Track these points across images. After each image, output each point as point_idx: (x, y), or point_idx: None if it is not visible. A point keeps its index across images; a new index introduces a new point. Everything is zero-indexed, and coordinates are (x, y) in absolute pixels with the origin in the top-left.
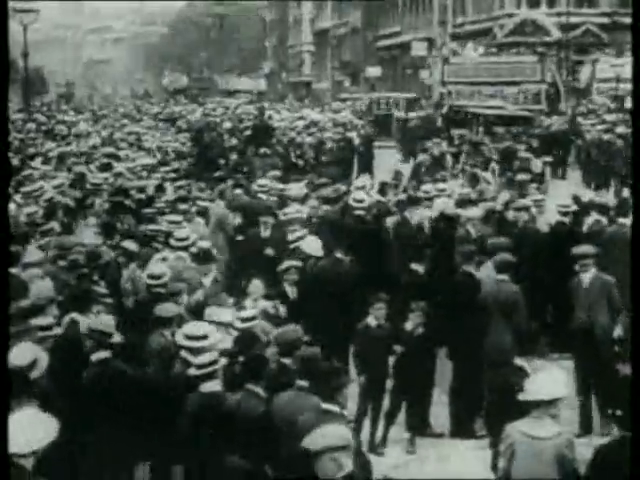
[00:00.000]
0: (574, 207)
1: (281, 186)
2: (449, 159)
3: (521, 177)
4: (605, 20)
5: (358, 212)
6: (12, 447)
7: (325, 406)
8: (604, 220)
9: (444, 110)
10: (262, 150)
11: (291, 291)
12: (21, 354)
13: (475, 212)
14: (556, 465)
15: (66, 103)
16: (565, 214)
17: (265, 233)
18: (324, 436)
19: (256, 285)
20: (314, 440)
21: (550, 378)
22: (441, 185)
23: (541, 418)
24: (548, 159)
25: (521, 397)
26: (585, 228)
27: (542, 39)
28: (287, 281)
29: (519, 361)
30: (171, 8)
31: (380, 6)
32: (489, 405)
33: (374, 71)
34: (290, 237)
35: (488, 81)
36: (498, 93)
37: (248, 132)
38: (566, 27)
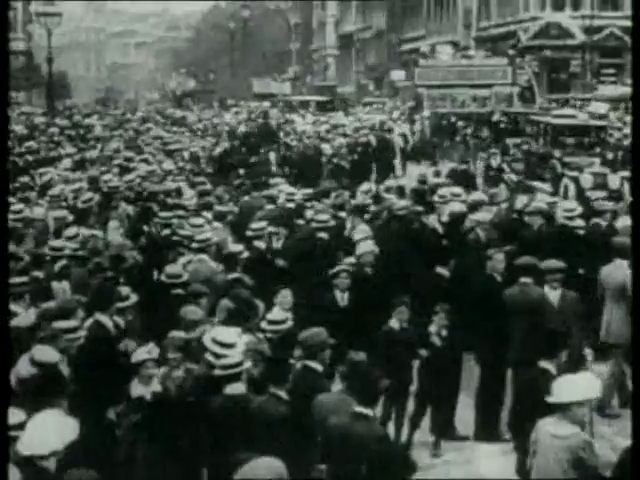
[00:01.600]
0: (579, 210)
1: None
2: (507, 170)
3: (598, 195)
4: (629, 23)
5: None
6: (33, 449)
7: (359, 409)
8: (603, 223)
9: (495, 117)
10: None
11: (341, 297)
12: (46, 352)
13: (484, 216)
14: (569, 465)
15: (103, 107)
16: (571, 218)
17: (277, 244)
18: (253, 469)
19: (284, 295)
20: (244, 472)
21: (574, 381)
22: (456, 190)
23: (563, 418)
24: (626, 174)
25: (547, 399)
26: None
27: (566, 42)
28: (338, 287)
29: (544, 364)
30: (195, 12)
31: (404, 10)
32: (514, 408)
33: (398, 75)
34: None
35: (459, 84)
36: (468, 96)
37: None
38: (590, 30)
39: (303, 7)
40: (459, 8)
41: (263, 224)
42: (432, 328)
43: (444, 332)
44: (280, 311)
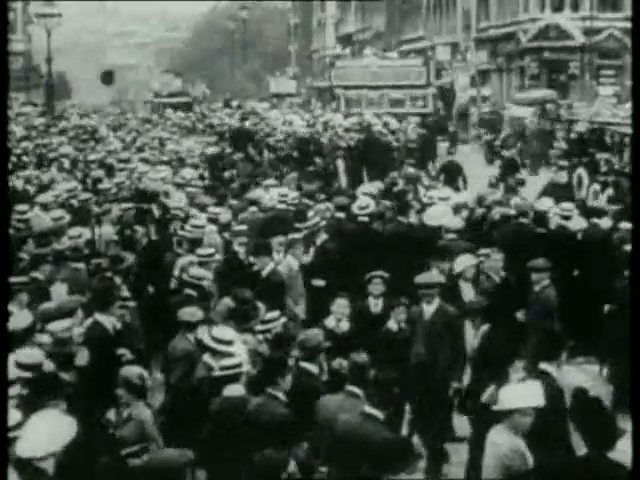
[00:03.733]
0: (576, 211)
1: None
2: (597, 190)
3: None
4: (629, 25)
5: (362, 219)
6: (29, 451)
7: (368, 409)
8: (602, 223)
9: (580, 127)
10: (236, 156)
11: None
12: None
13: (456, 222)
14: (496, 471)
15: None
16: (567, 218)
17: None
18: None
19: (341, 304)
20: None
21: (517, 390)
22: (444, 194)
23: (506, 425)
24: None
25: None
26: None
27: (565, 44)
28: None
29: (544, 365)
30: (195, 13)
31: (404, 11)
32: None
33: None
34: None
35: (373, 85)
36: (384, 97)
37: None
38: (590, 32)
39: (302, 8)
40: (458, 9)
41: (211, 250)
42: None
43: None
44: (272, 311)
